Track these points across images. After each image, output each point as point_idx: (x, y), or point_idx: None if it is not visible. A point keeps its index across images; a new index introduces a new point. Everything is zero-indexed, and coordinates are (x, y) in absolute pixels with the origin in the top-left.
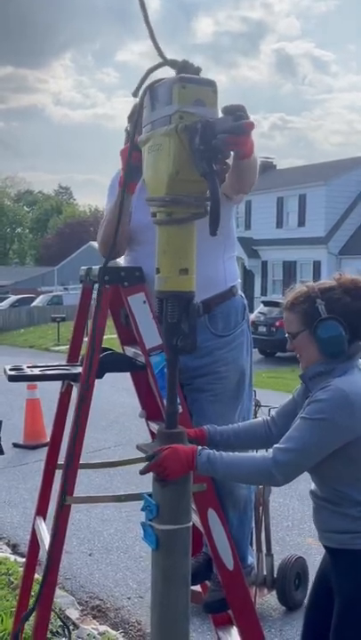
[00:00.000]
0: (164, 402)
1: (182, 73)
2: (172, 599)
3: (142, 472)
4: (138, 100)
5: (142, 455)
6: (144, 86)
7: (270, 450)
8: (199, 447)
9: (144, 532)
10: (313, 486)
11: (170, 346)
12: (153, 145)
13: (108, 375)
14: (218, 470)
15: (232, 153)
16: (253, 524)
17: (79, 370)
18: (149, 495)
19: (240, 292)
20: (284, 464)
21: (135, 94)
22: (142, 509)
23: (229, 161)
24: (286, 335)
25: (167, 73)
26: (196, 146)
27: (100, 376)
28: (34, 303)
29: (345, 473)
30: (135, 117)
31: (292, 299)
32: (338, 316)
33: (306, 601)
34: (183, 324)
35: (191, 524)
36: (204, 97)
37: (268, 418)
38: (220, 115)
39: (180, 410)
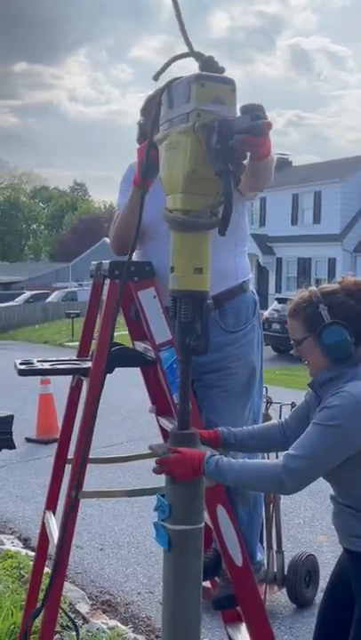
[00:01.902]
0: (174, 397)
1: (205, 68)
2: (183, 600)
3: (154, 472)
4: (153, 92)
5: (151, 451)
6: (164, 83)
7: (281, 457)
8: (208, 453)
9: (156, 532)
10: (332, 491)
11: (183, 346)
12: (170, 143)
13: (121, 370)
14: (226, 477)
15: (248, 153)
16: (264, 521)
17: (89, 364)
18: (162, 495)
19: (251, 288)
20: (295, 471)
21: (156, 78)
22: (155, 509)
23: (245, 162)
24: (291, 342)
25: (185, 70)
26: (212, 144)
27: (109, 371)
28: (48, 299)
29: (356, 478)
30: (153, 115)
31: (294, 305)
32: (342, 319)
33: (320, 601)
34: (196, 324)
35: (203, 524)
36: (222, 95)
37: (283, 420)
38: (238, 114)
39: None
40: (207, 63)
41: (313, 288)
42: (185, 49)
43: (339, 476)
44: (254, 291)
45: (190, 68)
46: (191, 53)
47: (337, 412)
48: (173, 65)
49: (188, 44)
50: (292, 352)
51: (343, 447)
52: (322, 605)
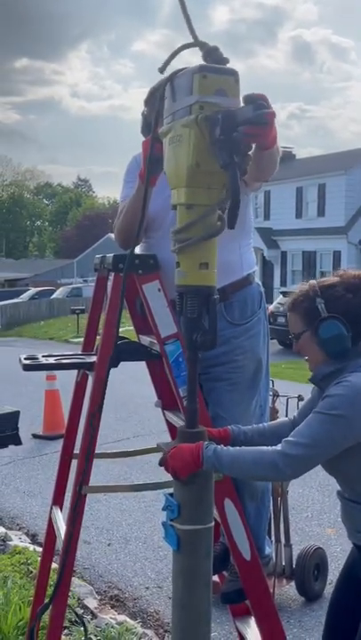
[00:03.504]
0: (180, 391)
1: (209, 57)
2: (193, 600)
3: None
4: (156, 84)
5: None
6: (164, 78)
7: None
8: (206, 442)
9: (165, 532)
10: (339, 487)
11: (189, 342)
12: (173, 136)
13: (128, 366)
14: (224, 464)
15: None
16: (272, 515)
17: (94, 359)
18: (171, 495)
19: (257, 281)
20: (292, 457)
21: (162, 70)
22: (163, 509)
23: (251, 152)
24: (290, 337)
25: (188, 63)
26: (216, 136)
27: (115, 365)
28: (54, 295)
29: (359, 473)
30: (156, 108)
31: (293, 298)
32: (339, 314)
33: (330, 595)
34: (203, 320)
35: (213, 523)
36: (225, 86)
37: (293, 417)
38: (242, 104)
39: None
40: (211, 53)
41: (313, 281)
42: (187, 42)
43: (344, 472)
44: (260, 283)
45: (193, 61)
46: (196, 43)
47: (339, 401)
48: (176, 59)
49: (193, 33)
50: None
51: (343, 436)
52: (332, 599)
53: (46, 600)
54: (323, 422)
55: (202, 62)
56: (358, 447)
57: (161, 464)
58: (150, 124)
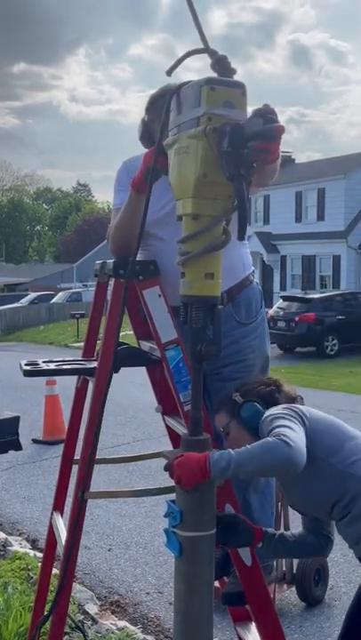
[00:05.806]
0: (180, 396)
1: (217, 65)
2: (195, 607)
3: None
4: (157, 91)
5: (159, 451)
6: (171, 87)
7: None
8: (212, 450)
9: (167, 538)
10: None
11: (194, 352)
12: (180, 147)
13: (127, 371)
14: (230, 462)
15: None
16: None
17: (95, 364)
18: (173, 502)
19: (255, 280)
20: (284, 435)
21: (169, 73)
22: (165, 516)
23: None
24: (221, 430)
25: (188, 69)
26: (223, 148)
27: (115, 370)
28: (53, 300)
29: (315, 491)
30: (162, 119)
31: (215, 403)
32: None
33: (349, 607)
34: (208, 330)
35: (215, 530)
36: (233, 99)
37: None
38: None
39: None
40: (219, 62)
41: None
42: (184, 47)
43: (317, 504)
44: (258, 282)
45: (193, 65)
46: (206, 50)
47: (273, 414)
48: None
49: (204, 41)
50: (298, 350)
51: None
52: (348, 616)
53: (47, 605)
54: (281, 418)
55: (202, 65)
56: (310, 467)
57: (166, 469)
58: (152, 132)
